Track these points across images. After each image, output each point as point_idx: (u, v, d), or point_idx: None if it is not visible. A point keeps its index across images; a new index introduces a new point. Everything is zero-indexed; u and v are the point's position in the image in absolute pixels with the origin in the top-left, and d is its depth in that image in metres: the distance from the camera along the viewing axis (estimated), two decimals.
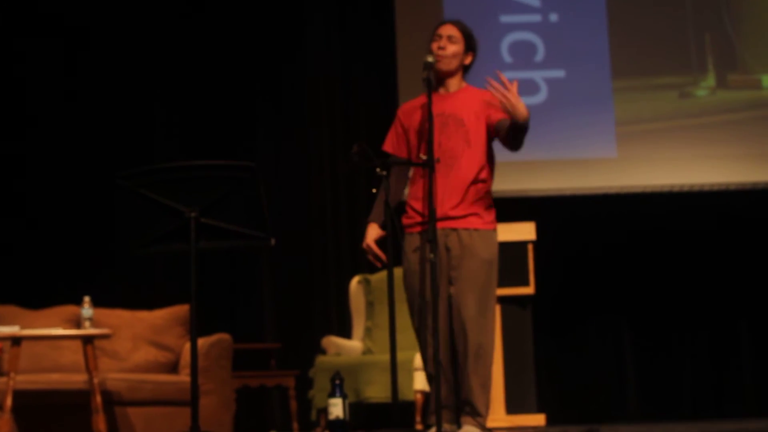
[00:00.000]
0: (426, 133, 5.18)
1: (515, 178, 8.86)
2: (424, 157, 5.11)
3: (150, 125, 9.25)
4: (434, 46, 5.30)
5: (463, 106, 5.28)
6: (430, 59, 5.19)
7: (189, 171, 4.62)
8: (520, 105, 4.98)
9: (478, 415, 5.16)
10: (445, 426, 5.16)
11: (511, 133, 5.12)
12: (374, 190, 5.09)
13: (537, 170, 9.01)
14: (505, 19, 9.29)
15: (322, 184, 9.28)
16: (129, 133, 9.17)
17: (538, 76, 9.14)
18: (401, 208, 5.38)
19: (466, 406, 5.17)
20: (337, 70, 9.42)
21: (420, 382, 7.40)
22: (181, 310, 7.74)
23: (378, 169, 5.00)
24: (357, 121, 9.32)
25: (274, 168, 9.17)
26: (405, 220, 5.33)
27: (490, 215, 5.28)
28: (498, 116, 5.24)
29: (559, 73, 9.18)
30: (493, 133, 5.28)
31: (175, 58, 9.27)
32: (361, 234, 9.00)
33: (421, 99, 5.35)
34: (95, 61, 9.19)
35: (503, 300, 7.28)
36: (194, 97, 9.25)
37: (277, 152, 9.29)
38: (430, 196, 4.99)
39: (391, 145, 5.42)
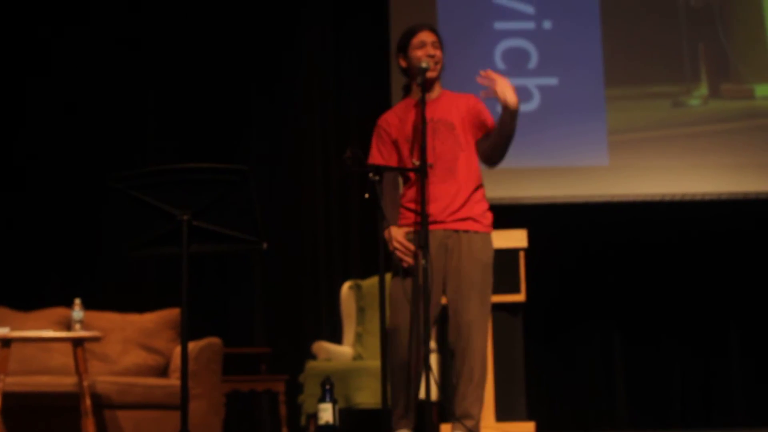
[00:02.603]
0: (417, 140, 5.19)
1: (507, 185, 8.86)
2: (417, 162, 5.10)
3: (142, 128, 9.24)
4: (422, 53, 5.26)
5: (450, 110, 5.27)
6: (424, 65, 5.17)
7: (181, 174, 4.61)
8: (510, 91, 5.05)
9: (471, 418, 5.14)
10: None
11: (500, 131, 5.16)
12: (367, 195, 5.07)
13: (529, 178, 9.00)
14: (499, 25, 9.29)
15: (314, 189, 9.27)
16: (121, 135, 9.16)
17: (531, 83, 9.15)
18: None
19: (461, 412, 5.14)
20: (331, 72, 9.42)
21: None
22: (172, 313, 7.73)
23: (371, 174, 4.99)
24: (350, 125, 9.31)
25: (266, 172, 9.17)
26: (401, 221, 5.26)
27: (488, 218, 5.29)
28: (491, 123, 5.27)
29: (552, 81, 9.19)
30: (480, 138, 5.29)
31: (169, 59, 9.26)
32: (354, 238, 9.12)
33: (401, 107, 5.35)
34: (87, 62, 9.18)
35: (494, 307, 7.22)
36: (187, 100, 9.24)
37: (270, 156, 9.29)
38: (422, 203, 4.98)
39: (379, 157, 5.32)
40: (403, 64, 5.34)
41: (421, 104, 5.09)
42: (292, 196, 9.25)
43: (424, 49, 5.26)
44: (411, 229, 5.19)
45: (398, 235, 5.15)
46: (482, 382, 5.16)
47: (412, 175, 5.24)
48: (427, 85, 5.24)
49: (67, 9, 9.21)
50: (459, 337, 5.15)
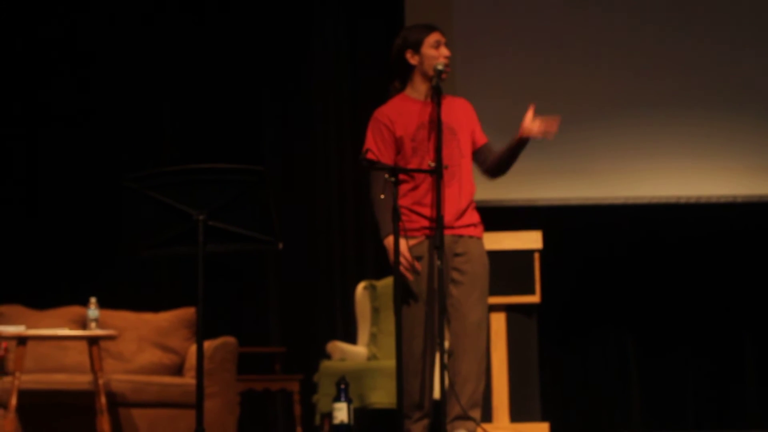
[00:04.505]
0: (424, 141, 5.16)
1: (521, 187, 8.84)
2: (433, 164, 5.08)
3: (158, 128, 9.26)
4: (438, 54, 5.18)
5: (452, 115, 5.22)
6: (440, 66, 5.14)
7: (198, 174, 4.62)
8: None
9: (474, 419, 5.16)
10: None
11: (508, 155, 5.23)
12: (382, 196, 5.07)
13: (543, 180, 8.98)
14: None
15: (329, 189, 9.28)
16: (137, 135, 9.18)
17: None
18: None
19: (465, 409, 5.14)
20: (344, 74, 9.42)
21: None
22: (187, 312, 7.75)
23: (387, 175, 4.98)
24: (364, 126, 9.29)
25: (280, 172, 9.18)
26: (408, 225, 5.14)
27: (482, 227, 5.32)
28: (483, 140, 5.30)
29: None
30: (472, 153, 5.30)
31: (184, 61, 9.28)
32: (368, 239, 9.13)
33: (397, 103, 5.29)
34: (107, 62, 9.21)
35: (509, 308, 7.28)
36: (202, 101, 9.25)
37: (284, 156, 9.30)
38: (438, 205, 4.97)
39: (379, 152, 5.23)
40: (413, 60, 5.23)
41: (437, 106, 5.07)
42: (308, 196, 9.25)
43: (440, 50, 5.20)
44: (417, 241, 5.15)
45: (405, 251, 5.07)
46: (483, 383, 5.17)
47: (418, 177, 5.18)
48: (432, 86, 5.19)
49: (86, 15, 9.24)
50: (464, 337, 5.15)
